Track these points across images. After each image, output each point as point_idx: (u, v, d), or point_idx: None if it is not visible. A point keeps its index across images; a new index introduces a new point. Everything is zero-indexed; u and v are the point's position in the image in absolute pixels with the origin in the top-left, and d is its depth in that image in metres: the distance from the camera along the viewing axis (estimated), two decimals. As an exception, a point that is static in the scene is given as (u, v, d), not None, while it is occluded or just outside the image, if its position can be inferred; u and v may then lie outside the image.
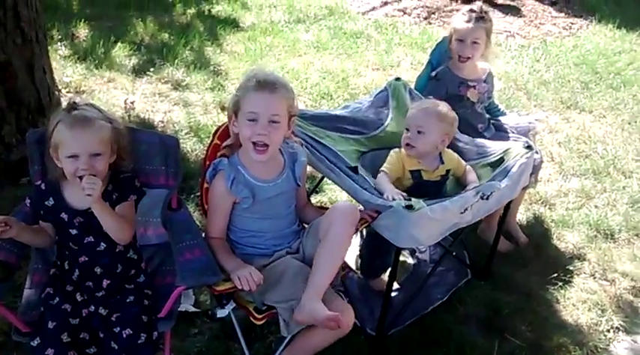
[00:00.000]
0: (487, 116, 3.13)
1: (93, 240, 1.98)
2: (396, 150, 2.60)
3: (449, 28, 3.06)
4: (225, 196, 2.14)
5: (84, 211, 1.96)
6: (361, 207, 2.27)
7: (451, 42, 3.00)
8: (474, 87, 3.01)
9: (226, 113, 2.19)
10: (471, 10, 2.95)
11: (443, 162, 2.58)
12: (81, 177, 1.88)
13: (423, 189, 2.48)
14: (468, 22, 2.92)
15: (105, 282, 1.99)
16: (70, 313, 1.90)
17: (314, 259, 2.03)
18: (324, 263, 2.01)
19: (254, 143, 2.06)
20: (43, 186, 2.01)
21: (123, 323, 1.89)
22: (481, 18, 2.93)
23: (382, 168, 2.52)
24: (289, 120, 2.13)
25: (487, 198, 2.36)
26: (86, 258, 1.99)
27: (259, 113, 2.04)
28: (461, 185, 2.64)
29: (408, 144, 2.54)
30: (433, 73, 3.04)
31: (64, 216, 1.97)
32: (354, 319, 2.09)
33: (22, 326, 1.86)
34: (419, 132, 2.52)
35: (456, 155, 2.66)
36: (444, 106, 2.61)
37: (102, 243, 1.99)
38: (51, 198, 1.98)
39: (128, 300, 1.96)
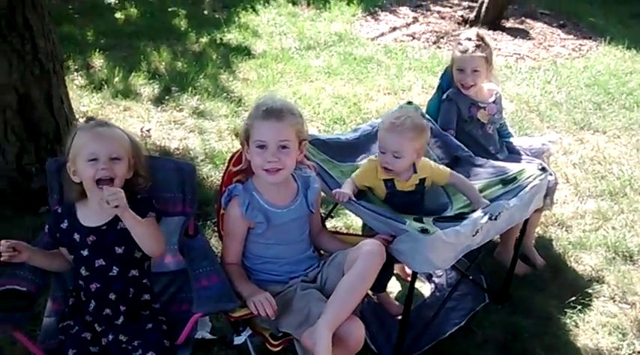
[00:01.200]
0: (497, 138, 3.12)
1: (104, 263, 1.96)
2: (372, 157, 2.58)
3: (452, 56, 3.05)
4: (240, 221, 2.15)
5: (97, 228, 1.97)
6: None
7: (451, 69, 3.01)
8: (484, 108, 3.02)
9: (240, 142, 2.22)
10: (468, 39, 2.95)
11: (416, 172, 2.52)
12: (98, 182, 1.89)
13: (398, 198, 2.45)
14: (465, 51, 2.93)
15: (122, 308, 1.98)
16: (90, 341, 1.90)
17: (336, 288, 2.00)
18: (345, 294, 1.98)
19: (266, 170, 2.09)
20: (59, 210, 2.04)
21: (146, 346, 1.89)
22: (478, 46, 2.92)
23: (352, 175, 2.50)
24: (300, 145, 2.15)
25: (495, 219, 2.34)
26: (98, 285, 1.97)
27: (268, 141, 2.07)
28: (458, 194, 2.61)
29: (385, 168, 2.48)
30: (445, 95, 3.05)
31: (76, 236, 1.98)
32: (364, 335, 2.04)
33: (41, 354, 1.86)
34: (395, 156, 2.44)
35: (430, 163, 2.59)
36: (414, 117, 2.51)
37: (114, 267, 1.97)
38: (66, 221, 2.00)
39: (147, 327, 1.97)
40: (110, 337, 1.94)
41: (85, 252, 1.97)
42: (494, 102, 3.07)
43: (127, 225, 1.92)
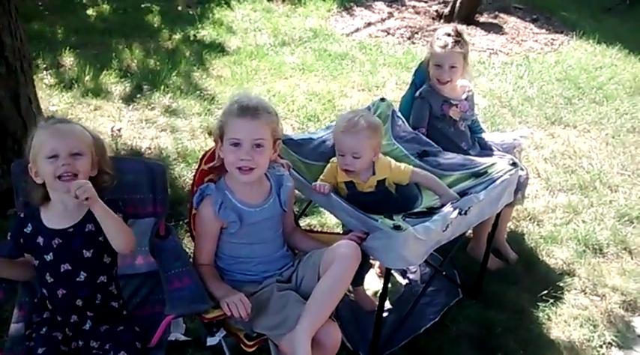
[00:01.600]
0: (469, 134, 3.13)
1: (70, 268, 1.90)
2: (334, 159, 2.58)
3: (428, 51, 3.04)
4: (212, 221, 2.13)
5: (62, 231, 1.91)
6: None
7: (429, 66, 3.00)
8: (456, 106, 3.03)
9: (213, 138, 2.19)
10: (447, 34, 2.94)
11: (374, 173, 2.53)
12: (60, 177, 1.84)
13: (359, 199, 2.44)
14: (444, 47, 2.91)
15: (89, 314, 1.94)
16: (61, 341, 1.86)
17: (313, 292, 2.00)
18: (323, 299, 1.98)
19: (239, 168, 2.07)
20: (22, 215, 1.98)
21: (117, 348, 1.85)
22: (457, 42, 2.92)
23: (318, 180, 2.49)
24: (274, 144, 2.14)
25: (465, 213, 2.36)
26: (64, 291, 1.91)
27: (242, 139, 2.05)
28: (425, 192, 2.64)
29: (346, 170, 2.49)
30: (417, 93, 3.05)
31: (40, 239, 1.91)
32: (340, 338, 2.04)
33: (7, 361, 1.83)
34: (354, 157, 2.45)
35: (391, 163, 2.58)
36: (367, 116, 2.53)
37: (81, 273, 1.91)
38: (29, 224, 1.94)
39: (119, 329, 1.94)
40: (80, 343, 1.90)
41: (50, 257, 1.90)
42: (466, 99, 3.08)
43: (98, 217, 1.87)
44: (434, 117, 2.99)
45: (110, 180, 2.01)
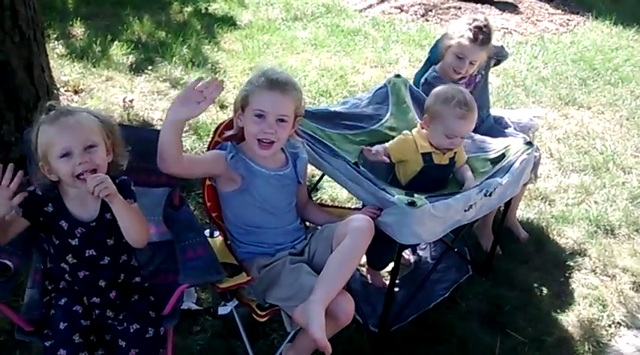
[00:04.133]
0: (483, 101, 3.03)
1: (95, 253, 1.86)
2: (406, 132, 2.58)
3: (449, 33, 2.91)
4: (218, 157, 2.10)
5: (87, 224, 1.85)
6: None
7: (446, 49, 2.89)
8: (465, 84, 2.94)
9: (232, 106, 2.18)
10: (478, 28, 2.80)
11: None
12: (79, 176, 1.75)
13: (432, 172, 2.47)
14: (473, 41, 2.79)
15: (112, 294, 1.91)
16: (82, 315, 1.84)
17: (326, 264, 2.00)
18: (336, 271, 1.98)
19: (259, 140, 2.06)
20: (38, 191, 1.83)
21: (130, 319, 1.86)
22: (487, 39, 2.82)
23: (386, 145, 2.51)
24: (295, 120, 2.13)
25: (490, 195, 2.36)
26: (87, 273, 1.87)
27: (268, 112, 2.04)
28: (456, 179, 2.62)
29: (449, 149, 2.52)
30: (423, 79, 2.96)
31: (63, 224, 1.83)
32: (353, 310, 2.05)
33: (25, 325, 1.84)
34: (462, 137, 2.52)
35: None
36: (469, 97, 2.52)
37: (106, 257, 1.88)
38: (50, 205, 1.83)
39: (133, 299, 1.94)
40: (97, 311, 1.90)
41: (75, 242, 1.85)
42: (477, 74, 3.00)
43: (115, 212, 1.81)
44: None
45: (124, 160, 1.93)
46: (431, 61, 3.08)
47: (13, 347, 2.25)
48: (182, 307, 2.10)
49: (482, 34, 2.81)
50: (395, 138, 2.57)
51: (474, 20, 2.86)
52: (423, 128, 2.57)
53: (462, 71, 2.86)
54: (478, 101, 2.99)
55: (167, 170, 1.99)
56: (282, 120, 2.07)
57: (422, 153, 2.52)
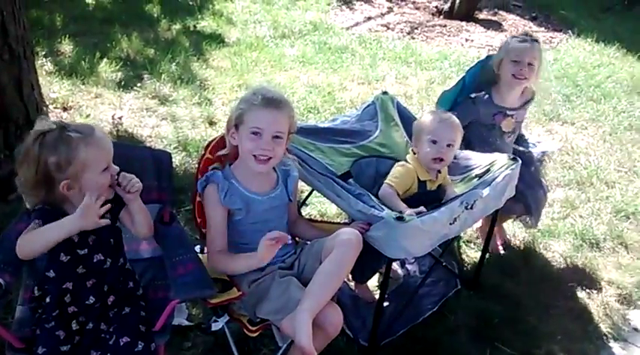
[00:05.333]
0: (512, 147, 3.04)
1: (102, 257, 1.91)
2: (402, 163, 2.62)
3: (499, 53, 2.94)
4: (218, 206, 2.14)
5: (97, 229, 1.86)
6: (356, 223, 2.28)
7: (499, 66, 2.92)
8: (512, 116, 2.97)
9: (225, 124, 2.20)
10: (524, 34, 2.92)
11: (440, 172, 2.61)
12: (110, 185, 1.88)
13: (424, 198, 2.49)
14: (524, 42, 2.86)
15: (110, 299, 1.94)
16: (62, 340, 1.84)
17: (314, 275, 2.01)
18: (324, 282, 2.00)
19: (255, 155, 2.09)
20: (48, 207, 1.84)
21: (120, 332, 1.86)
22: (533, 39, 2.89)
23: (388, 182, 2.53)
24: (288, 136, 2.17)
25: (471, 208, 2.39)
26: (94, 280, 1.90)
27: (264, 129, 2.07)
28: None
29: (439, 159, 2.54)
30: (473, 95, 2.96)
31: (74, 237, 1.84)
32: (342, 321, 2.06)
33: (15, 342, 1.82)
34: (449, 145, 2.54)
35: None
36: (452, 115, 2.63)
37: (108, 259, 1.92)
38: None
39: (124, 312, 1.95)
40: (90, 325, 1.90)
41: (84, 251, 1.88)
42: (525, 104, 3.02)
43: (133, 211, 1.93)
44: (481, 125, 2.94)
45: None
46: (464, 82, 3.02)
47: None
48: (173, 323, 2.10)
49: (526, 36, 2.91)
50: (398, 169, 2.59)
51: (517, 35, 2.98)
52: (414, 152, 2.62)
53: (524, 74, 2.87)
54: (509, 143, 3.02)
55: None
56: (278, 137, 2.10)
57: (419, 180, 2.57)
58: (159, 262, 2.14)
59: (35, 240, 1.79)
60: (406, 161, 2.63)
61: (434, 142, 2.54)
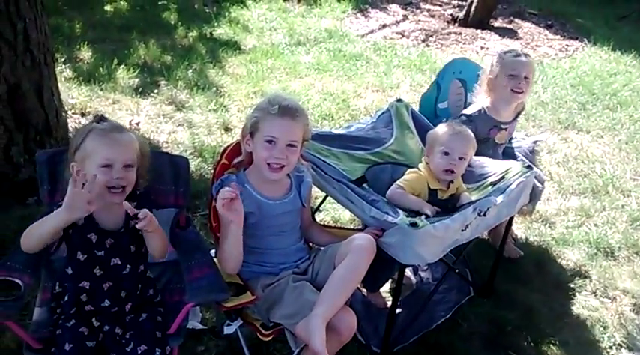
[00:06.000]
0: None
1: (120, 262, 1.96)
2: (415, 170, 2.64)
3: (492, 69, 2.96)
4: None
5: (116, 231, 1.95)
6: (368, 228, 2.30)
7: (494, 79, 2.94)
8: (505, 129, 3.01)
9: (241, 131, 2.23)
10: (511, 50, 2.98)
11: (452, 182, 2.63)
12: (109, 188, 1.86)
13: (433, 206, 2.50)
14: (518, 56, 2.90)
15: (128, 306, 1.98)
16: (87, 336, 1.89)
17: (328, 280, 2.03)
18: (338, 287, 2.02)
19: (269, 163, 2.11)
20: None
21: (138, 339, 1.90)
22: (525, 54, 2.94)
23: (398, 183, 2.55)
24: (302, 144, 2.19)
25: (484, 214, 2.39)
26: (111, 283, 1.95)
27: (279, 138, 2.10)
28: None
29: (450, 170, 2.56)
30: (469, 112, 2.99)
31: (92, 236, 1.92)
32: (356, 324, 2.06)
33: (33, 342, 1.86)
34: (461, 158, 2.56)
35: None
36: (467, 129, 2.66)
37: (127, 266, 1.97)
38: (82, 219, 1.89)
39: (141, 318, 1.98)
40: (106, 328, 1.94)
41: (101, 253, 1.93)
42: (515, 117, 3.08)
43: (149, 235, 1.94)
44: (476, 140, 2.91)
45: (144, 183, 2.05)
46: (439, 86, 3.12)
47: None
48: (187, 326, 2.12)
49: (518, 51, 2.96)
50: (410, 174, 2.62)
51: (507, 49, 3.04)
52: (426, 162, 2.64)
53: (522, 87, 2.91)
54: (499, 152, 3.07)
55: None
56: (292, 146, 2.12)
57: (429, 189, 2.59)
58: (174, 266, 2.18)
59: (33, 232, 1.85)
60: (419, 169, 2.65)
61: (446, 154, 2.55)
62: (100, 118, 1.95)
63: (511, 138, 3.24)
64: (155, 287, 2.11)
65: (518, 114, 3.12)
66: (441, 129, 2.66)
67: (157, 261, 2.24)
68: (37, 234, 1.84)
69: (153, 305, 2.05)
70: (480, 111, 2.97)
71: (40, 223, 1.85)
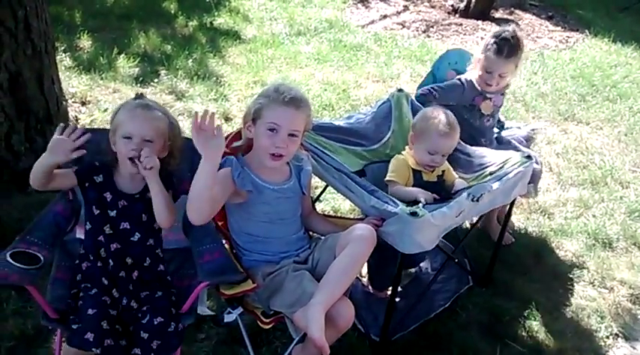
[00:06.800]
0: (491, 131, 3.14)
1: (129, 227, 2.06)
2: (397, 156, 2.67)
3: (480, 50, 2.97)
4: (227, 179, 2.12)
5: (130, 195, 2.08)
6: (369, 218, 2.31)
7: (476, 62, 2.98)
8: (490, 99, 3.03)
9: (243, 116, 2.24)
10: (505, 39, 2.88)
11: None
12: (131, 159, 1.99)
13: (422, 188, 2.52)
14: (499, 54, 2.88)
15: (135, 274, 2.06)
16: (110, 305, 1.96)
17: (328, 270, 2.04)
18: (337, 276, 2.03)
19: (270, 153, 2.12)
20: (97, 163, 2.10)
21: (154, 312, 1.96)
22: (513, 51, 2.89)
23: (388, 178, 2.58)
24: (302, 134, 2.20)
25: (477, 200, 2.39)
26: (118, 246, 2.06)
27: (281, 126, 2.11)
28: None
29: (432, 166, 2.60)
30: (463, 76, 3.03)
31: (107, 195, 2.06)
32: (353, 316, 2.09)
33: (51, 312, 1.91)
34: (444, 155, 2.60)
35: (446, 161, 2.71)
36: (452, 118, 2.62)
37: (136, 233, 2.07)
38: (101, 175, 2.07)
39: (157, 295, 2.04)
40: (124, 301, 2.00)
41: (113, 213, 2.06)
42: (502, 94, 3.09)
43: (152, 191, 2.02)
44: (461, 106, 2.99)
45: (175, 164, 2.15)
46: (434, 76, 3.15)
47: (23, 354, 2.30)
48: (197, 311, 2.14)
49: (508, 47, 2.88)
50: (392, 165, 2.65)
51: (502, 32, 2.94)
52: (411, 146, 2.66)
53: (493, 84, 2.95)
54: (488, 126, 3.09)
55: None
56: (294, 135, 2.14)
57: (412, 170, 2.60)
58: (184, 253, 2.21)
59: (34, 171, 1.98)
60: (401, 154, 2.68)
61: (432, 154, 2.58)
62: (138, 96, 2.13)
63: (504, 126, 3.26)
64: (165, 264, 2.16)
65: (505, 87, 3.13)
66: (432, 123, 2.60)
67: (169, 247, 2.26)
68: (35, 171, 1.97)
69: (167, 284, 2.11)
70: (470, 81, 3.01)
71: (37, 162, 1.98)
